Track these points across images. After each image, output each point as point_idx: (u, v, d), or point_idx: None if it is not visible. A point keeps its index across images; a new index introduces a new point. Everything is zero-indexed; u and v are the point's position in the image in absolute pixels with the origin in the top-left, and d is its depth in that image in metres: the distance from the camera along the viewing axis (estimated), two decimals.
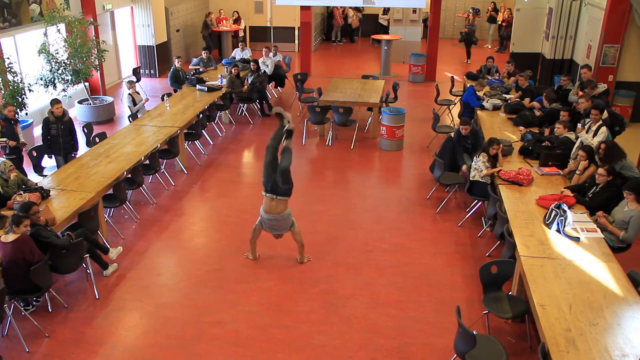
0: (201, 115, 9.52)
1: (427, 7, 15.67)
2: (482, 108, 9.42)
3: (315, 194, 8.30)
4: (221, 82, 11.13)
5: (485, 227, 7.11)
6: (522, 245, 5.28)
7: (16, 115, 8.01)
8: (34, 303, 5.61)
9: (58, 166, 7.75)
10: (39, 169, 7.77)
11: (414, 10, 16.07)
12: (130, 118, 9.27)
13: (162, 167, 8.45)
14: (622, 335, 4.08)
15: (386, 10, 18.97)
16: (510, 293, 5.22)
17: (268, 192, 5.90)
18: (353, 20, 19.73)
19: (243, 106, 11.81)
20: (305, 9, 14.38)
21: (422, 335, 5.27)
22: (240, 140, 10.48)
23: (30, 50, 10.25)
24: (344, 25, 19.74)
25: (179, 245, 6.90)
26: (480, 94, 9.82)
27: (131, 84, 9.81)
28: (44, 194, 6.21)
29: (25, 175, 7.08)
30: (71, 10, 11.37)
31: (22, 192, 6.01)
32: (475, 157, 7.12)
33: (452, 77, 12.29)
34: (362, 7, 19.02)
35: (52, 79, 9.94)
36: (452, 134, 8.30)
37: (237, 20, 16.98)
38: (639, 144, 8.95)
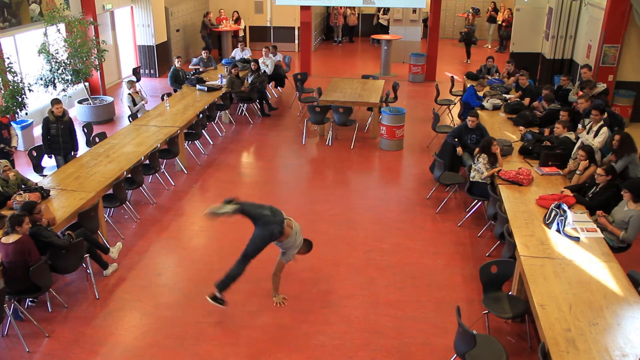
0: (201, 115, 9.52)
1: (427, 7, 15.67)
2: (482, 108, 9.42)
3: (315, 193, 8.29)
4: (221, 82, 11.13)
5: (486, 226, 7.10)
6: (522, 245, 5.28)
7: (8, 118, 7.95)
8: (30, 304, 5.61)
9: (58, 166, 7.74)
10: (39, 169, 7.77)
11: (414, 10, 16.08)
12: (130, 118, 9.28)
13: (162, 167, 8.45)
14: (622, 335, 4.08)
15: (386, 10, 18.97)
16: (510, 293, 5.22)
17: None
18: (350, 18, 19.68)
19: (243, 106, 11.82)
20: (305, 9, 14.38)
21: (422, 335, 5.27)
22: (240, 140, 10.48)
23: (30, 50, 10.25)
24: (343, 24, 19.73)
25: (179, 245, 6.90)
26: (480, 94, 9.82)
27: (131, 84, 9.82)
28: (44, 194, 6.21)
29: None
30: (71, 10, 11.36)
31: (22, 192, 6.01)
32: (475, 158, 7.12)
33: (452, 77, 12.29)
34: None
35: (52, 79, 9.94)
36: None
37: (237, 20, 16.99)
38: (639, 143, 8.93)
